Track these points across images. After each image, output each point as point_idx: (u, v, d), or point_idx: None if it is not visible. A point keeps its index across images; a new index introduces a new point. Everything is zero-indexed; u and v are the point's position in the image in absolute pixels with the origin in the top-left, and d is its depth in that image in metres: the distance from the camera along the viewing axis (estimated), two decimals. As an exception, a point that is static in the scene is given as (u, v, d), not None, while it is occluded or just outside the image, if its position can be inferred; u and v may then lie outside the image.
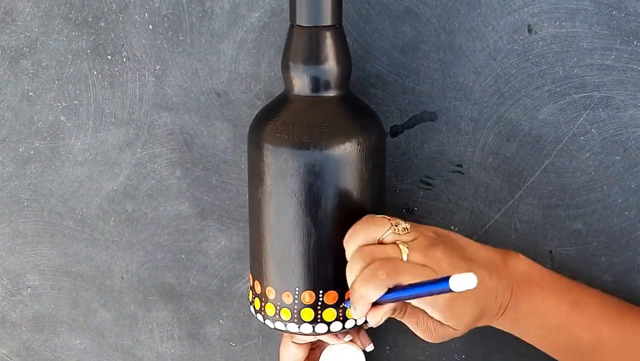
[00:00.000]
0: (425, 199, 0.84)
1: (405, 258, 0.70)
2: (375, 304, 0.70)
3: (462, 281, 0.61)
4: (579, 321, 0.76)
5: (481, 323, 0.75)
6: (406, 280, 0.68)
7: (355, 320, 0.76)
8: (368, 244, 0.71)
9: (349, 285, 0.71)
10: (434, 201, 0.84)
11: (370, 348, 0.83)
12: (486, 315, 0.74)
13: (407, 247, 0.70)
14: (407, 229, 0.72)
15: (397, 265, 0.69)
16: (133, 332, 0.92)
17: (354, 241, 0.71)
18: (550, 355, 0.79)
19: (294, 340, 0.82)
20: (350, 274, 0.70)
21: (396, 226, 0.71)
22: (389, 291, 0.68)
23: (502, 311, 0.75)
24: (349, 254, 0.71)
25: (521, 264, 0.77)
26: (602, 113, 0.80)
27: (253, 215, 0.76)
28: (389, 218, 0.72)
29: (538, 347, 0.79)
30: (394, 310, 0.71)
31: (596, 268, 0.84)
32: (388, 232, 0.71)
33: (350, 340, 0.82)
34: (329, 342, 0.82)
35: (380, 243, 0.71)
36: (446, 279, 0.63)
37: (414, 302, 0.71)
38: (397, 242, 0.70)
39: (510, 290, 0.75)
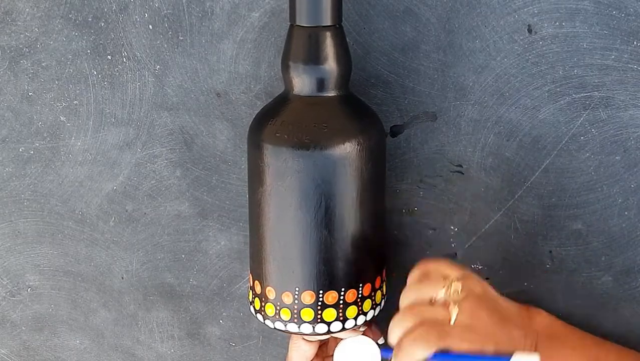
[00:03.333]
0: (425, 199, 0.84)
1: (453, 320, 0.70)
2: None
3: None
4: None
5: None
6: (455, 345, 0.68)
7: (356, 320, 0.76)
8: (419, 303, 0.71)
9: (393, 340, 0.70)
10: (434, 201, 0.84)
11: (382, 340, 0.83)
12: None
13: (456, 308, 0.70)
14: (458, 292, 0.71)
15: (447, 329, 0.69)
16: (133, 332, 0.92)
17: (406, 297, 0.72)
18: None
19: (305, 337, 0.82)
20: (397, 330, 0.70)
21: (449, 287, 0.71)
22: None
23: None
24: (401, 306, 0.72)
25: (545, 320, 0.79)
26: (602, 113, 0.80)
27: (253, 215, 0.76)
28: (444, 275, 0.72)
29: None
30: None
31: (596, 268, 0.84)
32: (441, 292, 0.71)
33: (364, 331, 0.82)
34: (342, 337, 0.81)
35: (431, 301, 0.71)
36: (508, 357, 0.65)
37: None
38: (448, 302, 0.70)
39: (534, 346, 0.76)
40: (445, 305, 0.71)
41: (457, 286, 0.72)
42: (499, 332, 0.72)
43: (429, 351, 0.68)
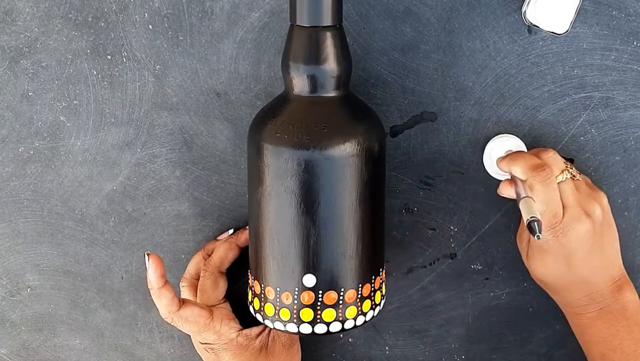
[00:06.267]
0: (425, 199, 0.84)
1: (560, 179, 0.74)
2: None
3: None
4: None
5: (561, 296, 0.79)
6: (538, 194, 0.72)
7: (355, 321, 0.76)
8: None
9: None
10: (434, 201, 0.84)
11: None
12: (568, 294, 0.78)
13: (568, 178, 0.75)
14: (577, 177, 0.76)
15: (549, 181, 0.73)
16: (133, 332, 0.92)
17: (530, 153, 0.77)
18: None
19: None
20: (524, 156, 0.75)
21: (570, 169, 0.76)
22: None
23: (578, 312, 0.78)
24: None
25: (633, 301, 0.78)
26: (602, 113, 0.80)
27: (253, 215, 0.76)
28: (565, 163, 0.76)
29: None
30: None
31: (596, 268, 0.84)
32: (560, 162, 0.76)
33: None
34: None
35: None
36: None
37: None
38: (566, 170, 0.75)
39: (599, 308, 0.77)
40: (566, 167, 0.75)
41: (579, 175, 0.76)
42: (577, 252, 0.74)
43: (522, 176, 0.74)
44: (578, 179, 0.76)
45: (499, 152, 0.80)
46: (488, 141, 0.81)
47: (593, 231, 0.74)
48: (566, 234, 0.73)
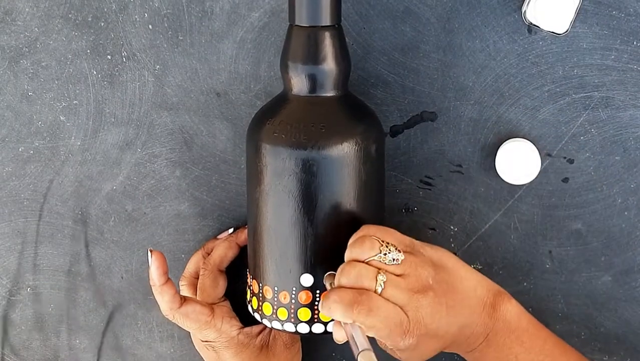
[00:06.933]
0: (425, 199, 0.84)
1: (379, 291, 0.68)
2: None
3: None
4: None
5: (447, 350, 0.75)
6: (372, 323, 0.67)
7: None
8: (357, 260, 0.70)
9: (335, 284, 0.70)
10: (433, 201, 0.84)
11: None
12: (452, 346, 0.74)
13: (384, 282, 0.68)
14: (397, 260, 0.70)
15: (371, 305, 0.67)
16: (133, 332, 0.92)
17: (347, 256, 0.71)
18: None
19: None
20: (337, 280, 0.70)
21: (385, 254, 0.69)
22: None
23: (468, 350, 0.75)
24: (346, 258, 0.71)
25: (511, 311, 0.75)
26: (602, 113, 0.80)
27: (251, 215, 0.76)
28: (382, 242, 0.70)
29: None
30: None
31: (596, 268, 0.84)
32: (374, 257, 0.69)
33: None
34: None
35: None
36: None
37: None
38: (380, 271, 0.69)
39: (485, 336, 0.74)
40: (377, 271, 0.69)
41: (395, 255, 0.70)
42: (434, 325, 0.70)
43: (345, 320, 0.67)
44: (397, 262, 0.70)
45: (512, 157, 0.79)
46: (491, 143, 0.81)
47: (436, 297, 0.70)
48: (421, 326, 0.69)
